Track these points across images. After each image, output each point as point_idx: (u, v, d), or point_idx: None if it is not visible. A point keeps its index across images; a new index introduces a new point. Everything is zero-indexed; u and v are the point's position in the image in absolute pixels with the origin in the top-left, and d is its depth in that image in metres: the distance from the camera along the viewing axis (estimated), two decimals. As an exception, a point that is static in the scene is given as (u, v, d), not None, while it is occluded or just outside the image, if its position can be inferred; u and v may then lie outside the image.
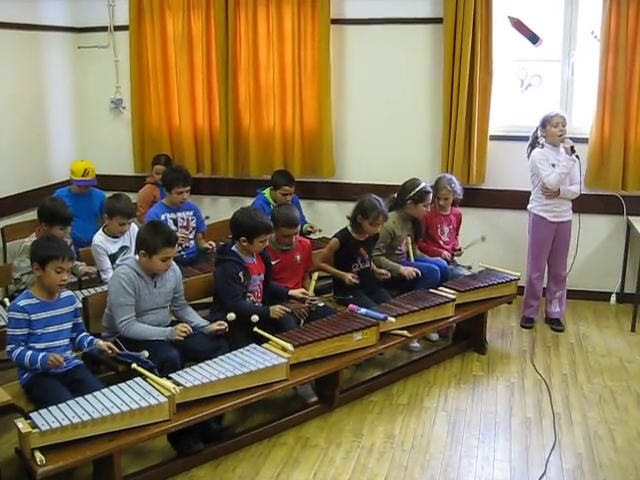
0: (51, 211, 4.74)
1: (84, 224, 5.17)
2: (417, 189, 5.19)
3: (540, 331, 5.54)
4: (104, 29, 6.61)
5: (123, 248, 4.97)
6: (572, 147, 5.21)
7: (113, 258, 4.90)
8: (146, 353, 3.67)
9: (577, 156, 5.21)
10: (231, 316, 4.00)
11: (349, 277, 4.83)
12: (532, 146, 5.41)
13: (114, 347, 3.74)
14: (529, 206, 5.54)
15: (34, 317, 3.57)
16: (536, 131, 5.40)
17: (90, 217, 5.21)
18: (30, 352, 3.51)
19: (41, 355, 3.49)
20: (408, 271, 4.98)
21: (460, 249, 5.54)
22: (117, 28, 6.59)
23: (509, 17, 5.98)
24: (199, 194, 6.45)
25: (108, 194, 5.32)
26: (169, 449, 3.77)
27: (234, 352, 3.83)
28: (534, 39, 5.99)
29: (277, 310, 4.27)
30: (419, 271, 5.00)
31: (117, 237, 4.95)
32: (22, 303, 3.57)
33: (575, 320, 5.77)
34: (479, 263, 5.40)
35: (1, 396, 3.22)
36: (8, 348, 3.55)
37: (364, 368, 4.81)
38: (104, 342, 3.77)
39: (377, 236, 5.04)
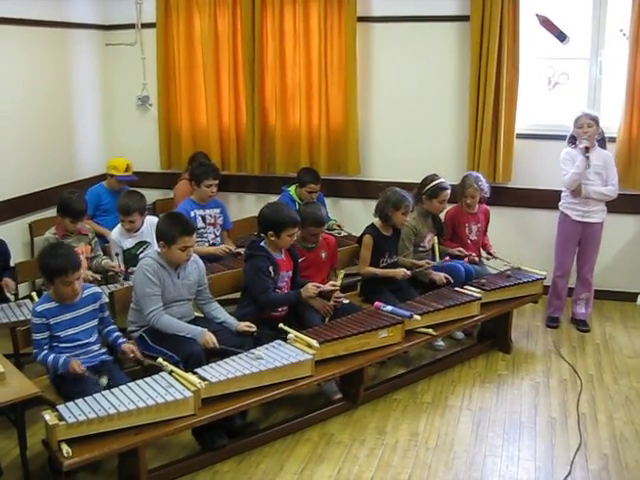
0: (64, 203, 4.80)
1: (118, 221, 5.16)
2: (432, 184, 5.19)
3: (566, 331, 5.50)
4: (131, 27, 6.66)
5: (141, 244, 4.99)
6: (586, 147, 5.16)
7: (129, 253, 4.94)
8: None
9: (587, 156, 5.15)
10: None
11: (402, 272, 4.85)
12: (570, 144, 5.36)
13: (136, 351, 3.72)
14: (559, 203, 5.51)
15: (53, 321, 3.56)
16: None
17: None
18: (52, 356, 3.51)
19: (62, 360, 3.48)
20: (439, 277, 4.94)
21: (494, 255, 5.51)
22: (144, 25, 6.63)
23: (537, 15, 5.93)
24: (225, 191, 6.47)
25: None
26: (193, 444, 3.79)
27: (259, 348, 3.83)
28: (562, 37, 5.93)
29: (310, 288, 4.27)
30: (450, 277, 4.96)
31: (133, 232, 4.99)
32: (40, 308, 3.56)
33: (601, 320, 5.72)
34: (504, 262, 5.37)
35: (29, 388, 3.24)
36: (33, 352, 3.58)
37: (389, 366, 4.81)
38: (127, 345, 3.76)
39: (399, 230, 5.04)
